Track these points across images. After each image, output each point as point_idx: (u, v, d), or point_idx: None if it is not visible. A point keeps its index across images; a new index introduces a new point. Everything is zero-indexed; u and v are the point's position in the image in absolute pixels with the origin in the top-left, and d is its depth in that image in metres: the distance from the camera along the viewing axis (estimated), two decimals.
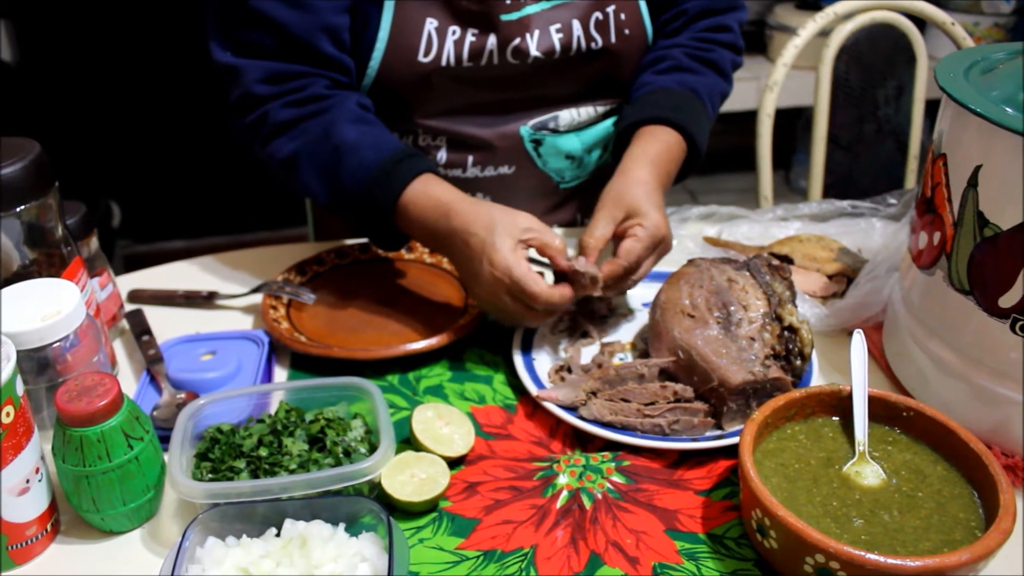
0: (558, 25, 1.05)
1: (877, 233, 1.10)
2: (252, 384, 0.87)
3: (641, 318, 1.00)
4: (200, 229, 2.80)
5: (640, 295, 1.02)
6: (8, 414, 0.65)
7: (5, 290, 0.77)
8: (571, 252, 0.93)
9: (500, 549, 0.71)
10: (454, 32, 1.02)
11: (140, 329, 0.96)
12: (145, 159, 2.67)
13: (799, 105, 2.63)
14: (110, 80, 2.53)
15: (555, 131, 1.13)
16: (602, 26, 1.07)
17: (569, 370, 0.90)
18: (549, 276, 0.96)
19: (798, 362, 0.83)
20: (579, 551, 0.70)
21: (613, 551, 0.70)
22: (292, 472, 0.73)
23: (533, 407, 0.87)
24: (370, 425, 0.79)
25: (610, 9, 1.07)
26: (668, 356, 0.85)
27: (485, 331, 0.97)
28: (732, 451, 0.80)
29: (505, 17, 1.03)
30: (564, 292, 0.87)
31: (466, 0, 1.01)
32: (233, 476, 0.73)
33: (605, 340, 0.96)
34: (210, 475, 0.74)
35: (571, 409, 0.83)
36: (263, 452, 0.75)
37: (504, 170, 1.14)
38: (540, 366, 0.91)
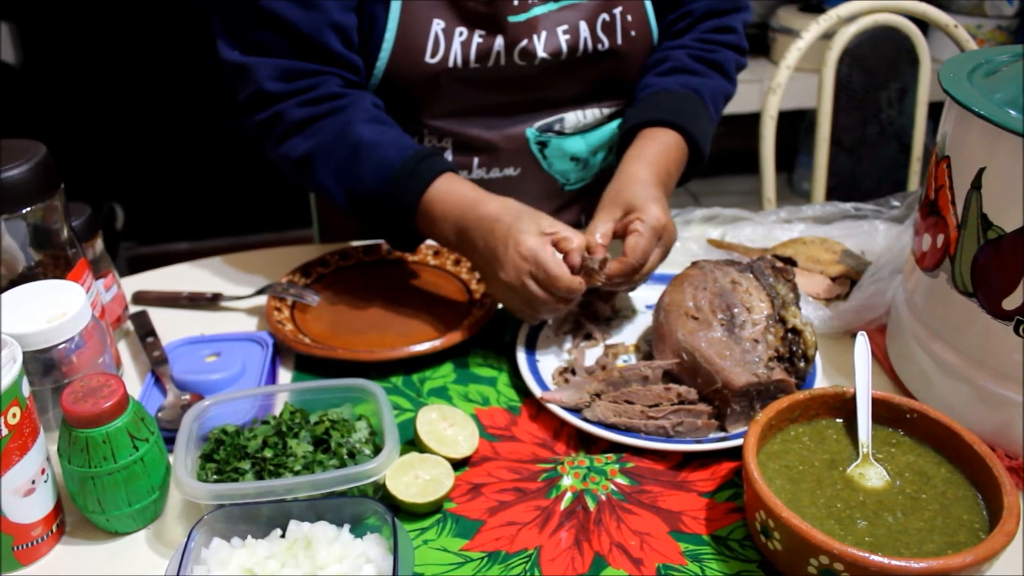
0: (565, 26, 1.05)
1: (880, 235, 1.10)
2: (256, 386, 0.87)
3: (645, 320, 1.00)
4: (203, 231, 2.80)
5: (644, 297, 1.02)
6: (14, 415, 0.65)
7: (11, 292, 0.78)
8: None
9: (504, 550, 0.71)
10: (461, 33, 1.02)
11: (145, 331, 0.96)
12: (148, 161, 2.68)
13: (802, 107, 2.63)
14: (113, 82, 2.53)
15: (561, 133, 1.13)
16: (609, 27, 1.07)
17: (573, 372, 0.90)
18: None
19: (802, 364, 0.83)
20: (583, 552, 0.71)
21: (617, 552, 0.70)
22: (297, 473, 0.73)
23: (537, 409, 0.87)
24: (374, 427, 0.80)
25: (617, 11, 1.07)
26: (672, 358, 0.86)
27: (489, 333, 0.97)
28: (736, 453, 0.80)
29: (513, 18, 1.03)
30: (581, 280, 0.88)
31: (473, 1, 1.01)
32: (238, 477, 0.73)
33: (609, 342, 0.96)
34: (215, 476, 0.74)
35: (575, 411, 0.83)
36: (268, 453, 0.75)
37: (509, 172, 1.14)
38: (544, 368, 0.91)
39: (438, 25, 1.01)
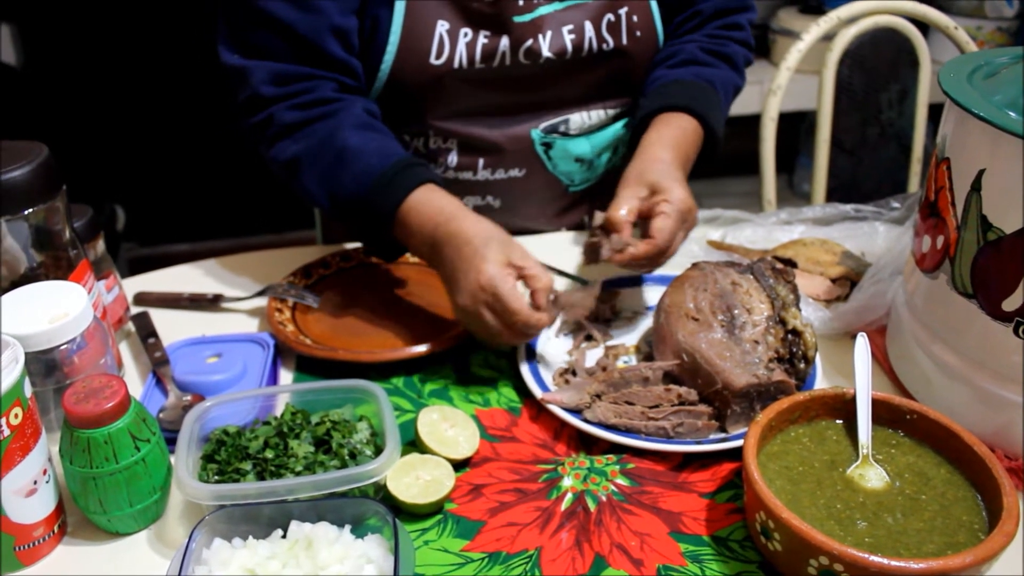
0: (570, 26, 1.05)
1: (880, 237, 1.10)
2: (258, 386, 0.87)
3: (645, 321, 1.00)
4: (204, 232, 2.80)
5: (644, 298, 1.02)
6: (16, 416, 0.65)
7: (13, 293, 0.78)
8: (560, 287, 0.93)
9: (505, 551, 0.71)
10: (466, 34, 1.02)
11: (146, 331, 0.96)
12: (149, 162, 2.68)
13: (802, 109, 2.63)
14: (114, 84, 2.54)
15: (565, 134, 1.13)
16: (614, 27, 1.07)
17: (574, 373, 0.90)
18: None
19: (802, 365, 0.83)
20: (584, 553, 0.71)
21: (617, 553, 0.71)
22: (298, 474, 0.73)
23: (538, 410, 0.87)
24: (375, 427, 0.80)
25: (622, 11, 1.07)
26: (672, 359, 0.86)
27: None
28: (736, 454, 0.80)
29: (518, 19, 1.03)
30: (542, 317, 0.85)
31: (478, 2, 1.01)
32: (239, 478, 0.73)
33: (609, 343, 0.96)
34: (216, 477, 0.74)
35: (576, 412, 0.84)
36: (269, 454, 0.75)
37: (514, 173, 1.14)
38: (545, 369, 0.91)
39: (443, 26, 1.02)
